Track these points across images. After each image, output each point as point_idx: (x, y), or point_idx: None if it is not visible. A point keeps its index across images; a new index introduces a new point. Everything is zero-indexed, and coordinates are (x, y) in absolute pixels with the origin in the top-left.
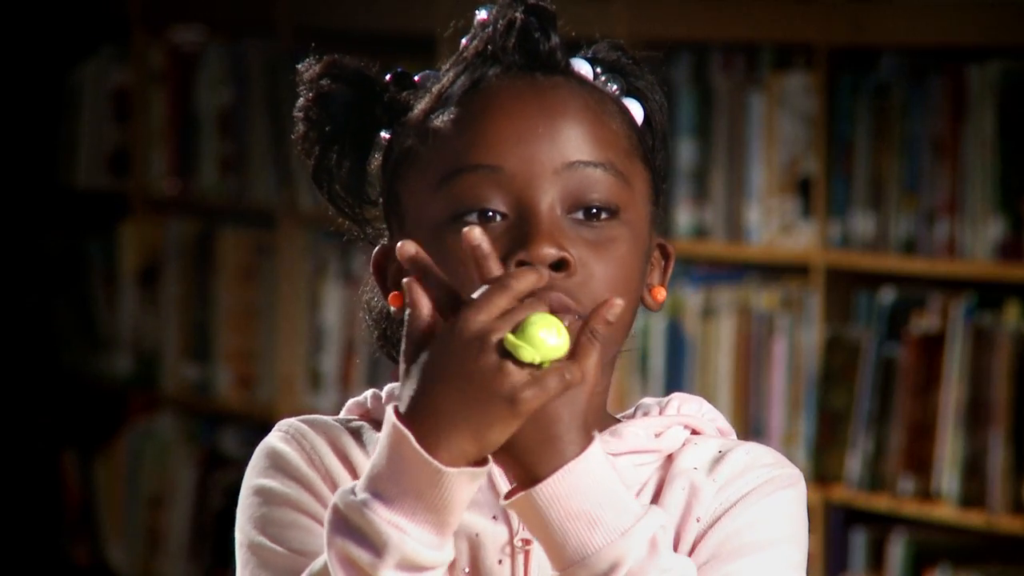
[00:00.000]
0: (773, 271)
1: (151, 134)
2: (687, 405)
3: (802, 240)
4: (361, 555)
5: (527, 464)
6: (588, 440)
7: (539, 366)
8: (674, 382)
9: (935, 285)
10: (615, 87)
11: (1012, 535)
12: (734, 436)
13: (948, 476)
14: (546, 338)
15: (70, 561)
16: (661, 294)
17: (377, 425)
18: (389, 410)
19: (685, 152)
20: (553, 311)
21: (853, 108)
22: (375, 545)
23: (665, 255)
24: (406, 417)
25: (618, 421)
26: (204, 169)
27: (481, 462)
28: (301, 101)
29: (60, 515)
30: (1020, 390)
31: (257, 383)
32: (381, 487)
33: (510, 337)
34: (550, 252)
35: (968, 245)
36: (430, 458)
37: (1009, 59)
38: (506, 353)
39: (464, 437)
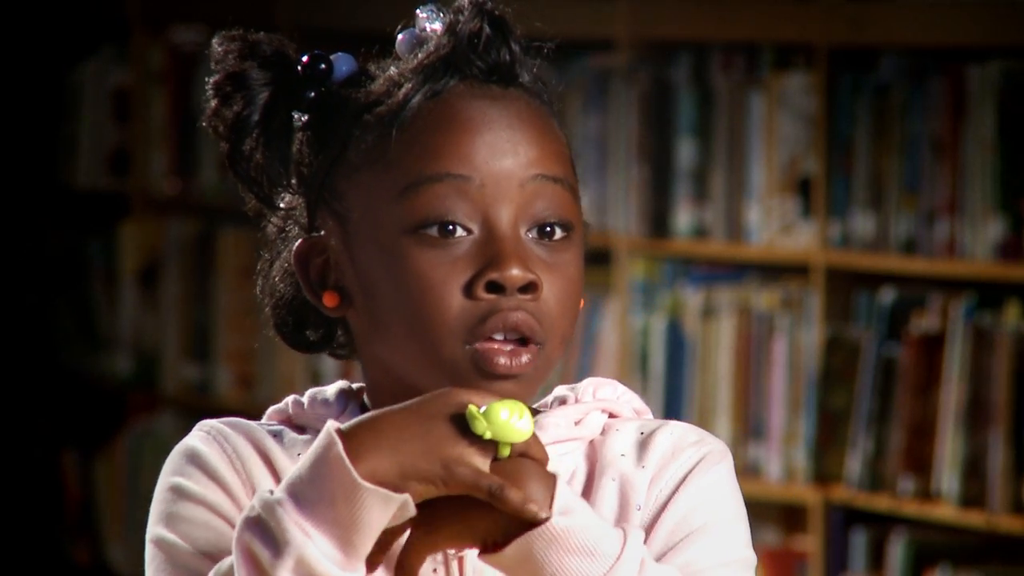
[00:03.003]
0: (773, 271)
1: (151, 134)
2: (602, 389)
3: (802, 240)
4: (263, 552)
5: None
6: (552, 482)
7: (495, 449)
8: (674, 382)
9: (935, 285)
10: (543, 97)
11: (1012, 535)
12: (650, 415)
13: (948, 476)
14: (507, 419)
15: (70, 561)
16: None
17: (298, 429)
18: (329, 422)
19: (685, 152)
20: (521, 332)
21: (853, 108)
22: (277, 543)
23: None
24: (344, 430)
25: (537, 412)
26: (204, 169)
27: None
28: (214, 78)
29: (60, 515)
30: (1020, 390)
31: (257, 383)
32: (299, 489)
33: (472, 408)
34: (521, 274)
35: (968, 245)
36: (351, 467)
37: (1009, 59)
38: (465, 426)
39: (389, 466)
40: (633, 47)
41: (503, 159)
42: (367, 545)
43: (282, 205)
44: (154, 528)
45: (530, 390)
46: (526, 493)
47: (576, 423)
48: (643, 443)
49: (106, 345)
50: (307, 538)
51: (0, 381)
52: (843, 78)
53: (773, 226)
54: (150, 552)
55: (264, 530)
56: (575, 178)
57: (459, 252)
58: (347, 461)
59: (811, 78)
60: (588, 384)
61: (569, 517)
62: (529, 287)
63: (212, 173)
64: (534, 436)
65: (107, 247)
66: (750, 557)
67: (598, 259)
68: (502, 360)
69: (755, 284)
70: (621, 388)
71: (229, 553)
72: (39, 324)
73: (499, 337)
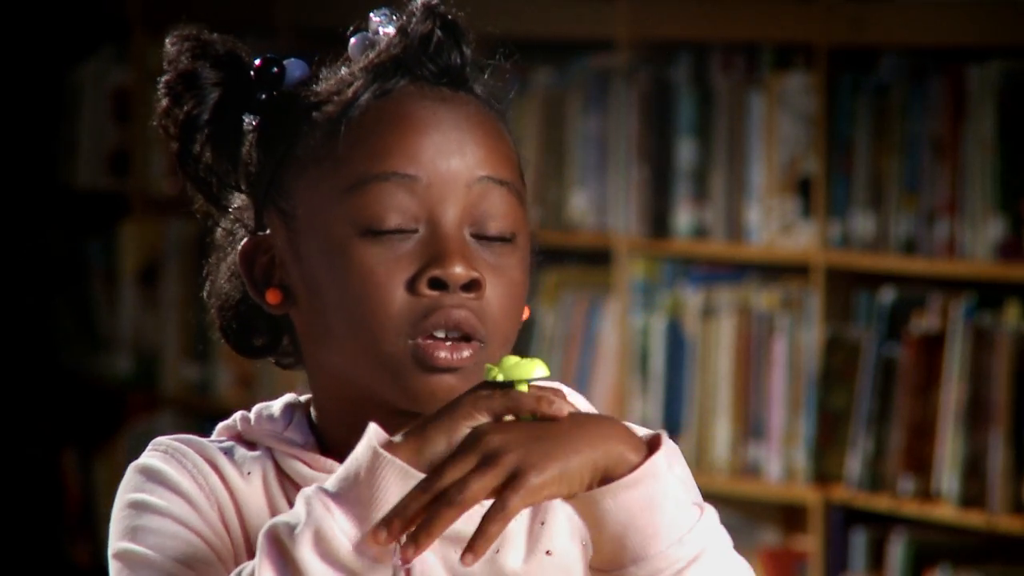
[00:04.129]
0: (773, 271)
1: (151, 134)
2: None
3: (802, 240)
4: (283, 528)
5: (613, 455)
6: (643, 437)
7: (513, 389)
8: (674, 382)
9: (935, 285)
10: (492, 102)
11: (1012, 535)
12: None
13: (948, 476)
14: (518, 363)
15: (70, 561)
16: (526, 312)
17: (248, 445)
18: (372, 424)
19: (685, 152)
20: (462, 330)
21: (853, 108)
22: (298, 515)
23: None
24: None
25: None
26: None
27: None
28: (165, 77)
29: (60, 515)
30: (1020, 390)
31: (257, 383)
32: (329, 481)
33: (487, 365)
34: (463, 272)
35: (968, 245)
36: (377, 444)
37: (1009, 59)
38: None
39: (406, 439)
40: (633, 47)
41: (450, 159)
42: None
43: (231, 207)
44: (117, 543)
45: (470, 385)
46: (631, 438)
47: None
48: None
49: (106, 345)
50: (327, 513)
51: (0, 381)
52: (843, 78)
53: (773, 226)
54: (115, 568)
55: (289, 517)
56: (523, 184)
57: (403, 250)
58: (375, 441)
59: (811, 78)
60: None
61: (667, 462)
62: (472, 285)
63: None
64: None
65: (107, 247)
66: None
67: (598, 259)
68: (442, 354)
69: (755, 284)
70: (566, 390)
71: (204, 563)
72: (39, 324)
73: (440, 335)
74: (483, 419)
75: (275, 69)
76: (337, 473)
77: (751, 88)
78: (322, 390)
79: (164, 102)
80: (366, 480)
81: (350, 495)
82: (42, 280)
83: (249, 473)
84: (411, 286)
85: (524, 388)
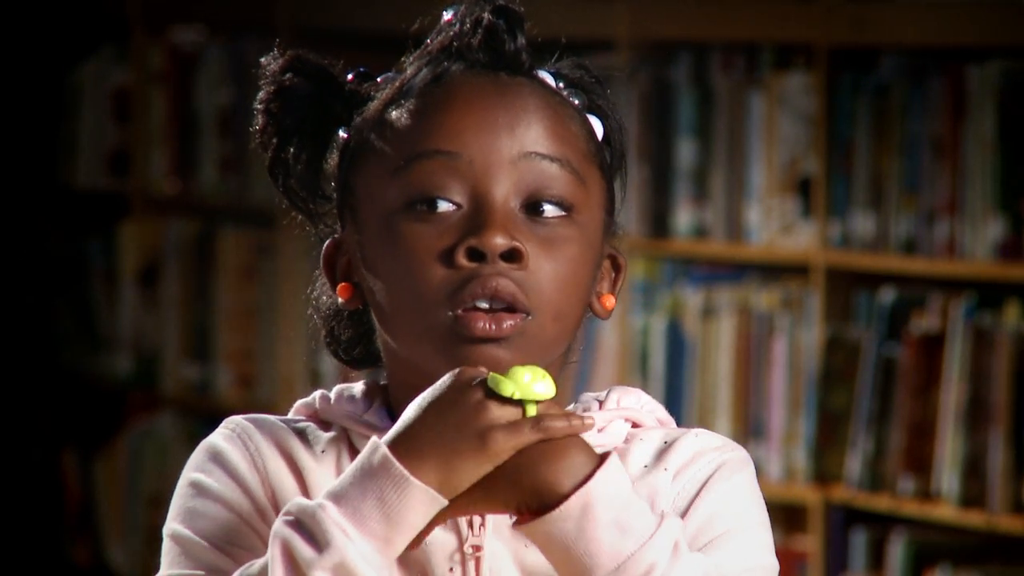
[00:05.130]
0: (773, 271)
1: (151, 134)
2: (626, 398)
3: (802, 240)
4: (303, 550)
5: (546, 484)
6: (596, 455)
7: (522, 408)
8: (674, 382)
9: (935, 285)
10: (576, 101)
11: (1012, 535)
12: (674, 425)
13: (948, 476)
14: (530, 382)
15: (70, 561)
16: (610, 302)
17: (324, 425)
18: (374, 438)
19: (685, 152)
20: (502, 299)
21: (853, 108)
22: (318, 543)
23: (616, 267)
24: (387, 443)
25: None
26: (204, 169)
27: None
28: (262, 94)
29: (60, 515)
30: (1020, 390)
31: (257, 383)
32: (341, 492)
33: (493, 374)
34: (502, 242)
35: (968, 245)
36: (400, 465)
37: (1009, 59)
38: (491, 393)
39: (432, 463)
40: (633, 47)
41: (496, 136)
42: (403, 545)
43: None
44: (171, 523)
45: (520, 357)
46: (568, 463)
47: (599, 431)
48: (665, 449)
49: (106, 345)
50: (348, 539)
51: (0, 381)
52: (843, 78)
53: (773, 226)
54: (166, 546)
55: (304, 530)
56: (590, 168)
57: (446, 225)
58: (395, 461)
59: (811, 78)
60: (613, 392)
61: (606, 488)
62: (513, 254)
63: (212, 173)
64: (554, 402)
65: (107, 247)
66: (773, 564)
67: None
68: (481, 324)
69: (755, 284)
70: (645, 397)
71: (244, 549)
72: (39, 324)
73: (482, 304)
74: (498, 436)
75: (367, 84)
76: (344, 488)
77: (751, 88)
78: (393, 376)
79: (260, 120)
80: (394, 499)
81: (374, 514)
82: (42, 280)
83: (323, 452)
84: (449, 258)
85: (533, 410)
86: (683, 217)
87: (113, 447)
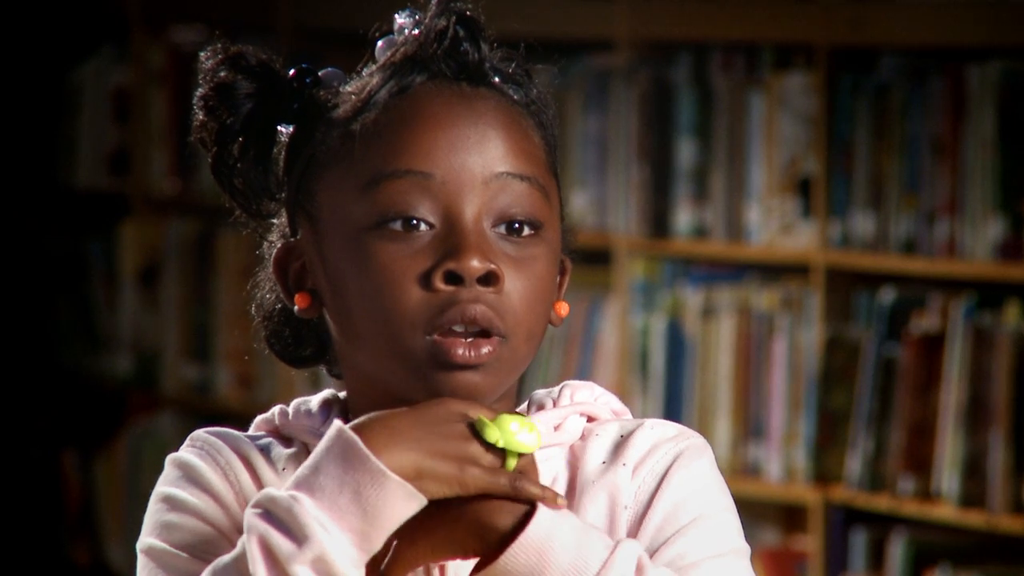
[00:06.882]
0: (773, 271)
1: (151, 134)
2: (580, 392)
3: (802, 240)
4: (281, 544)
5: (498, 521)
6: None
7: (503, 457)
8: (674, 382)
9: (935, 285)
10: (516, 97)
11: (1012, 535)
12: (629, 415)
13: (948, 476)
14: (516, 431)
15: (70, 561)
16: (564, 309)
17: (285, 441)
18: (336, 422)
19: (685, 152)
20: (479, 325)
21: (853, 108)
22: (296, 538)
23: (562, 270)
24: (355, 427)
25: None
26: (204, 169)
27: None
28: (200, 91)
29: (60, 515)
30: (1020, 390)
31: (257, 383)
32: (314, 483)
33: (482, 417)
34: (479, 265)
35: (968, 245)
36: (376, 460)
37: (1009, 59)
38: (475, 433)
39: (409, 461)
40: (633, 47)
41: (466, 155)
42: (379, 543)
43: (274, 219)
44: (145, 538)
45: (495, 383)
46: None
47: (555, 428)
48: (622, 443)
49: (106, 345)
50: (326, 533)
51: (0, 381)
52: (843, 78)
53: (773, 226)
54: (141, 561)
55: (279, 524)
56: (551, 179)
57: (420, 245)
58: (369, 452)
59: (811, 78)
60: (565, 387)
61: (554, 525)
62: (489, 278)
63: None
64: (529, 458)
65: (107, 247)
66: (743, 547)
67: (598, 259)
68: (460, 351)
69: (755, 284)
70: (599, 390)
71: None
72: (39, 324)
73: (459, 329)
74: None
75: (309, 79)
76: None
77: (751, 88)
78: (354, 390)
79: (200, 115)
80: (371, 493)
81: (350, 508)
82: (42, 280)
83: (284, 469)
84: (426, 281)
85: (513, 462)
86: (683, 217)
87: (113, 447)
